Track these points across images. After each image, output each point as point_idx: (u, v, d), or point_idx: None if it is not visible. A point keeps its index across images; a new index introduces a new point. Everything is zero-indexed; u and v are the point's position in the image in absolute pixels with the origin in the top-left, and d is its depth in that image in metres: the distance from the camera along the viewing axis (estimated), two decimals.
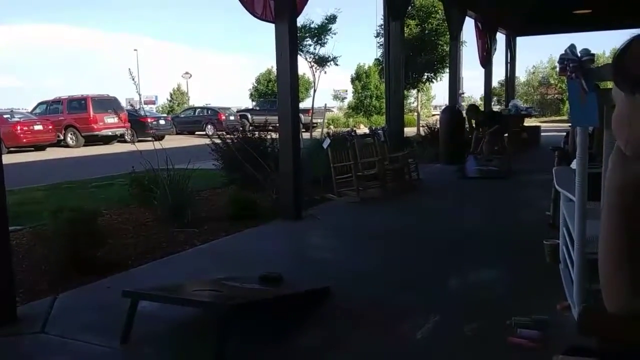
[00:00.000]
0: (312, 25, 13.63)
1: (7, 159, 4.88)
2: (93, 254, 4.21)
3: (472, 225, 5.52)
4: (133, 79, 6.12)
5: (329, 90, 37.10)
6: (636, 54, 0.82)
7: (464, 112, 11.96)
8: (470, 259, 4.38)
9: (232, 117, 26.31)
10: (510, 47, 17.33)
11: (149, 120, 21.84)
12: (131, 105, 23.11)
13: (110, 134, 20.78)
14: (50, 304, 3.48)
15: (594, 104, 2.23)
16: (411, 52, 14.65)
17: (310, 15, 16.05)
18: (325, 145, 7.44)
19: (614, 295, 0.91)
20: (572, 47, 2.32)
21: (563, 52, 2.33)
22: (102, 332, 3.04)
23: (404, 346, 2.86)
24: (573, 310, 2.97)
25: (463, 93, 14.88)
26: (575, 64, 2.24)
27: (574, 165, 3.10)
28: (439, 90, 32.34)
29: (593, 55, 2.28)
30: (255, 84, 37.79)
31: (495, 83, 23.98)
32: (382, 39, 11.79)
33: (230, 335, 2.71)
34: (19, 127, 18.47)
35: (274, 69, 6.27)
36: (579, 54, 2.27)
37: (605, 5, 12.48)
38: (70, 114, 20.63)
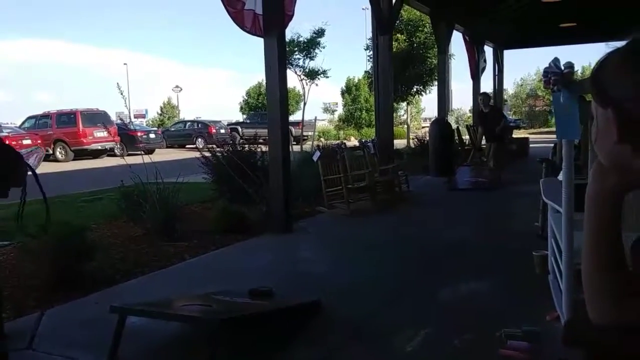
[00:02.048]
0: (300, 40, 13.75)
1: None
2: (81, 269, 4.17)
3: (461, 237, 5.54)
4: (121, 93, 6.12)
5: (319, 103, 37.35)
6: (610, 68, 0.84)
7: (453, 125, 12.06)
8: (459, 271, 4.39)
9: (222, 131, 26.31)
10: (498, 60, 17.54)
11: (138, 134, 21.78)
12: (121, 119, 23.00)
13: (99, 148, 20.69)
14: (38, 320, 3.44)
15: (577, 117, 2.26)
16: (400, 66, 14.77)
17: (298, 30, 16.17)
18: (315, 158, 7.46)
19: (597, 305, 0.92)
20: (555, 61, 2.35)
21: (547, 65, 2.37)
22: (90, 348, 3.01)
23: (395, 359, 2.85)
24: (562, 321, 2.98)
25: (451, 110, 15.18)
26: (557, 77, 2.28)
27: (561, 176, 3.13)
28: (428, 102, 32.70)
29: (574, 67, 2.32)
30: (246, 97, 37.91)
31: None
32: (372, 52, 11.89)
33: (221, 351, 2.69)
34: (6, 142, 18.30)
35: (264, 82, 6.31)
36: (562, 67, 2.31)
37: (589, 19, 12.69)
38: (59, 128, 20.53)
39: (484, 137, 10.35)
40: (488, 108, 10.01)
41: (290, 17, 6.20)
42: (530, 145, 14.87)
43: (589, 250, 0.91)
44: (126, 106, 6.73)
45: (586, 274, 0.93)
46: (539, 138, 21.24)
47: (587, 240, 0.91)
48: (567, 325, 1.03)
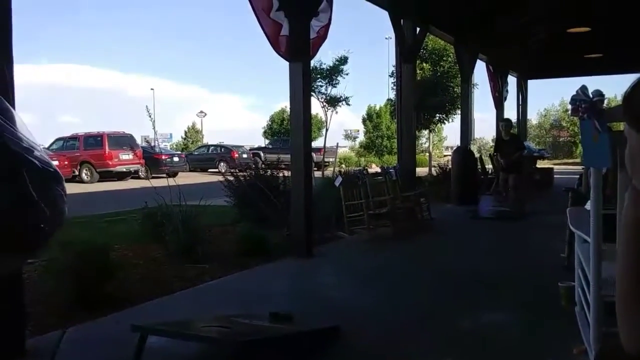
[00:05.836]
0: (323, 67, 13.91)
1: None
2: (103, 288, 4.21)
3: (485, 266, 5.45)
4: (150, 116, 6.24)
5: (340, 130, 37.58)
6: None
7: (475, 154, 11.97)
8: (483, 301, 4.31)
9: (244, 155, 26.57)
10: (522, 90, 17.45)
11: (163, 157, 22.11)
12: (147, 141, 23.40)
13: (124, 170, 21.05)
14: (59, 337, 3.45)
15: (607, 144, 2.23)
16: (423, 94, 14.82)
17: (321, 57, 16.32)
18: (337, 183, 7.47)
19: (631, 335, 0.89)
20: (583, 88, 2.34)
21: (575, 92, 2.35)
22: None
23: None
24: (590, 354, 2.90)
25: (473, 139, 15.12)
26: (587, 105, 2.26)
27: (588, 206, 3.08)
28: (450, 131, 32.64)
29: (604, 96, 2.30)
30: (270, 123, 38.37)
31: None
32: (395, 80, 11.95)
33: None
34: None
35: (288, 109, 6.38)
36: (590, 95, 2.30)
37: (617, 50, 12.60)
38: (86, 150, 20.96)
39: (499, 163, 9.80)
40: (509, 136, 9.36)
41: (318, 46, 6.26)
42: (555, 176, 14.67)
43: (624, 277, 0.89)
44: (154, 129, 6.83)
45: (620, 302, 0.91)
46: (564, 169, 20.97)
47: (623, 268, 0.89)
48: (598, 356, 1.00)
